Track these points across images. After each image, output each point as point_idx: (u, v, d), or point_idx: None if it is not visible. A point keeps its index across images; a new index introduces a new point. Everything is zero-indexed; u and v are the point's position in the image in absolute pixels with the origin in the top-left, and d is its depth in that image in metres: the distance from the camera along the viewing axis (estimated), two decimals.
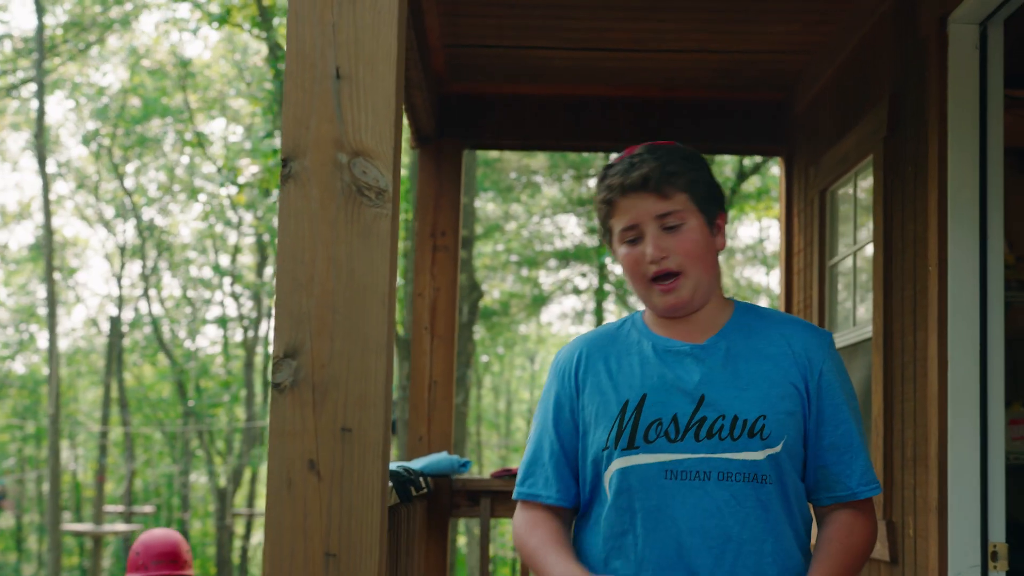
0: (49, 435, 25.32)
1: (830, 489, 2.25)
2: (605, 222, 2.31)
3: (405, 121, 4.75)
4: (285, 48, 2.10)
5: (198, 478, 35.89)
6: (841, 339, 4.53)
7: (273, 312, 2.06)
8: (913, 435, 3.61)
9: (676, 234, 2.22)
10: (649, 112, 5.26)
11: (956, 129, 3.42)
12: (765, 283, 28.60)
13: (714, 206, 2.28)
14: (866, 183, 4.35)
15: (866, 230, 4.35)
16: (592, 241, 22.35)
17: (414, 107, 4.74)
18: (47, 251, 25.84)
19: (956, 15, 3.41)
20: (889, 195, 3.91)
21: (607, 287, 23.25)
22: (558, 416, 2.32)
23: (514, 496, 2.39)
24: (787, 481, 2.21)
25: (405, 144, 5.15)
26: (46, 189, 25.15)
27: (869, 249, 4.28)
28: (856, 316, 4.46)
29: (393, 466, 3.57)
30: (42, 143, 25.67)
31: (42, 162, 24.84)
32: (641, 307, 2.40)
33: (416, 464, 4.33)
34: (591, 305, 24.94)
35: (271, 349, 2.08)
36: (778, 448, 2.18)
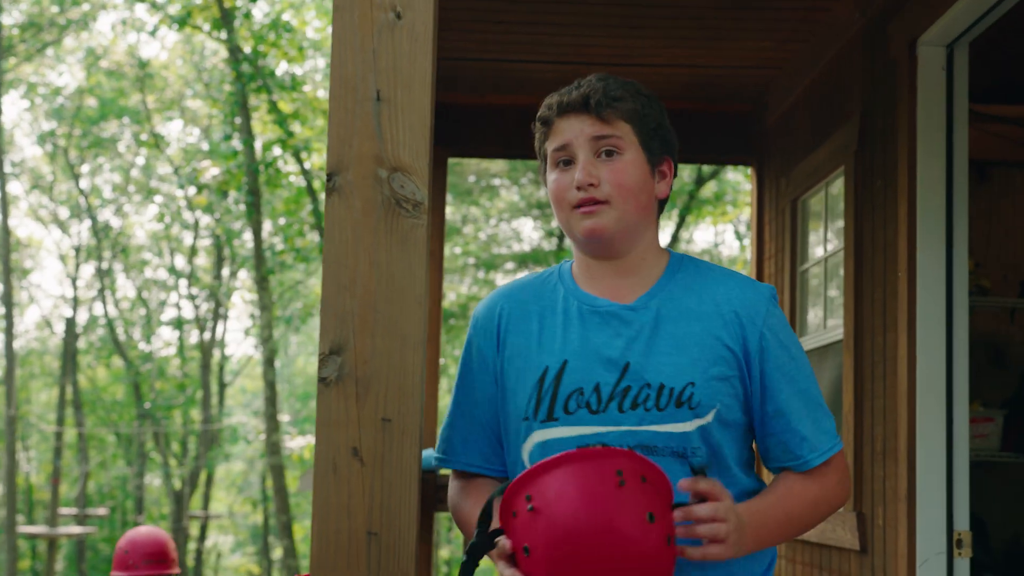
0: (7, 437, 25.20)
1: (779, 459, 2.11)
2: (541, 147, 2.16)
3: None
4: (330, 72, 2.30)
5: (152, 480, 35.78)
6: (812, 341, 4.77)
7: (319, 312, 2.25)
8: (883, 431, 3.85)
9: (610, 162, 2.07)
10: None
11: (924, 144, 3.67)
12: None
13: (660, 148, 2.13)
14: (836, 193, 4.59)
15: (836, 238, 4.59)
16: (550, 245, 22.59)
17: None
18: (3, 252, 25.72)
19: (925, 38, 3.66)
20: (859, 205, 4.15)
21: None
22: (478, 379, 2.20)
23: (432, 462, 2.36)
24: (723, 453, 2.06)
25: None
26: (1, 189, 25.05)
27: (839, 256, 4.52)
28: (827, 319, 4.71)
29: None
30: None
31: (12, 163, 24.75)
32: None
33: None
34: None
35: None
36: (709, 418, 2.03)
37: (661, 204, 2.19)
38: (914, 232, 3.64)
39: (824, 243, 4.74)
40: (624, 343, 2.07)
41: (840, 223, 4.51)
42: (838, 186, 4.53)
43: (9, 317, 25.37)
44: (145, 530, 4.87)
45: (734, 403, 2.07)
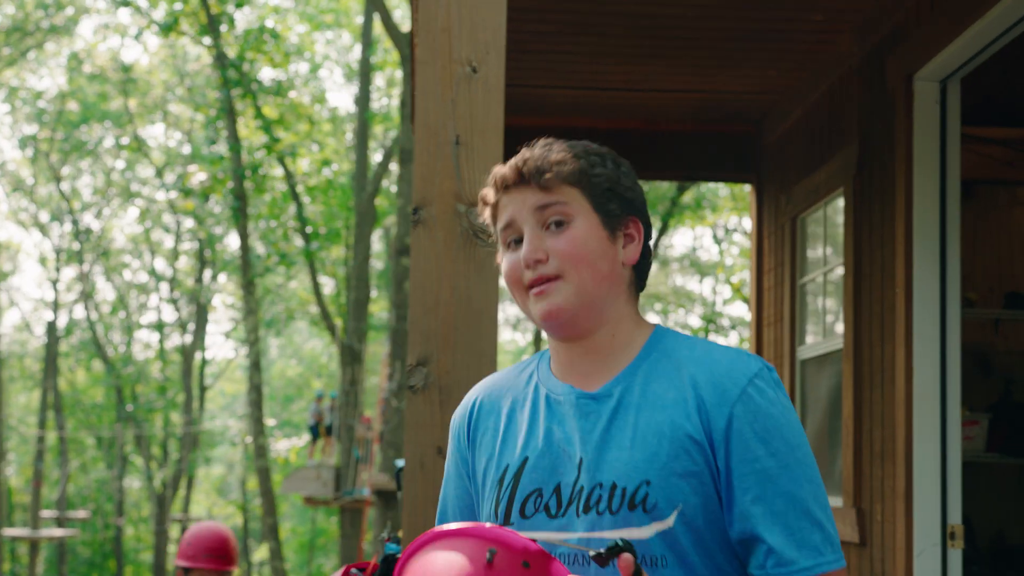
0: None
1: (747, 567, 1.79)
2: (492, 226, 1.94)
3: None
4: (414, 121, 2.62)
5: (131, 483, 35.95)
6: (811, 350, 5.12)
7: (408, 329, 2.57)
8: (881, 434, 4.20)
9: (558, 233, 1.84)
10: (631, 143, 5.82)
11: (920, 170, 4.01)
12: (698, 290, 29.42)
13: (620, 208, 1.87)
14: (835, 212, 4.94)
15: (835, 253, 4.94)
16: None
17: None
18: None
19: (920, 74, 4.01)
20: (858, 225, 4.50)
21: None
22: (455, 482, 2.01)
23: None
24: (693, 560, 1.77)
25: None
26: None
27: (838, 271, 4.86)
28: (825, 329, 5.05)
29: (399, 462, 4.08)
30: None
31: None
32: None
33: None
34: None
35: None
36: (670, 522, 1.75)
37: (637, 271, 1.91)
38: (911, 252, 3.99)
39: (824, 259, 5.08)
40: (581, 437, 1.84)
41: (838, 239, 4.86)
42: (837, 205, 4.88)
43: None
44: (209, 525, 5.03)
45: (705, 502, 1.77)
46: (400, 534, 2.36)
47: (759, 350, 5.68)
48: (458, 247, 2.57)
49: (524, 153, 1.89)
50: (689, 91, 5.41)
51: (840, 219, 4.81)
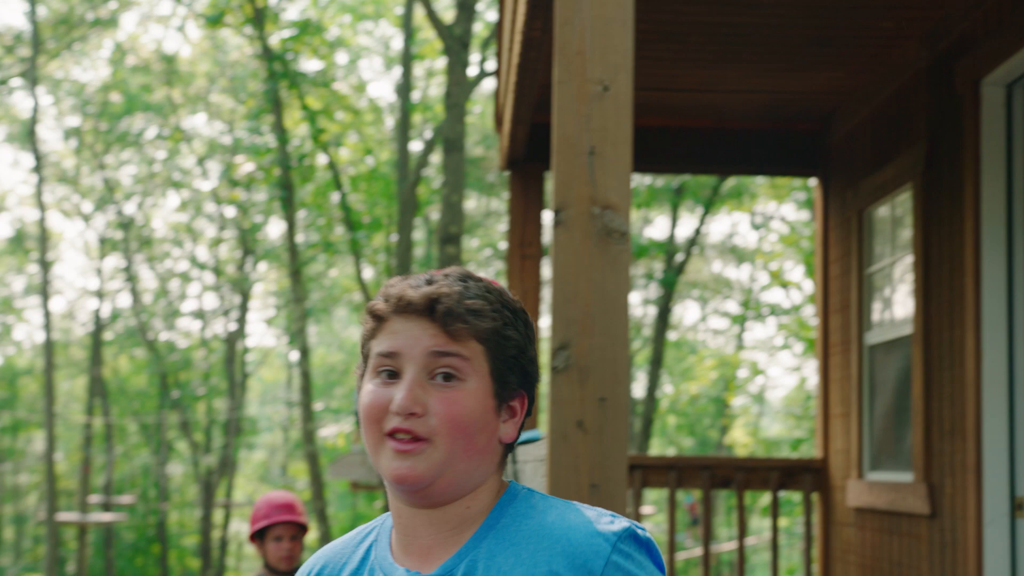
0: (45, 427, 25.88)
1: None
2: (365, 343, 1.66)
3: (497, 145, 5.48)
4: (552, 132, 2.96)
5: (174, 469, 36.49)
6: (879, 335, 5.44)
7: (550, 317, 2.91)
8: (951, 412, 4.52)
9: (444, 389, 1.58)
10: (701, 140, 6.15)
11: (988, 167, 4.34)
12: (734, 276, 29.70)
13: (518, 381, 1.65)
14: (902, 206, 5.26)
15: (902, 245, 5.26)
16: None
17: (514, 137, 5.60)
18: (40, 243, 26.37)
19: (988, 79, 4.33)
20: (928, 218, 4.82)
21: None
22: None
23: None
24: None
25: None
26: (38, 183, 25.67)
27: (906, 261, 5.19)
28: (893, 316, 5.38)
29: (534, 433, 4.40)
30: (29, 137, 26.18)
31: (38, 157, 25.38)
32: None
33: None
34: None
35: (549, 338, 2.91)
36: None
37: (506, 449, 1.67)
38: (979, 242, 4.31)
39: (892, 249, 5.40)
40: None
41: (905, 231, 5.18)
42: (904, 200, 5.20)
43: (46, 311, 26.03)
44: (273, 491, 5.30)
45: None
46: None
47: (826, 337, 6.01)
48: (593, 244, 2.91)
49: (438, 285, 1.62)
50: (759, 92, 5.73)
51: (907, 213, 5.13)
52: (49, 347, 25.87)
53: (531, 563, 1.56)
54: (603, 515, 1.62)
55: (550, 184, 3.06)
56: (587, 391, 2.87)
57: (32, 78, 25.98)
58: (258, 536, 5.01)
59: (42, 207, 26.30)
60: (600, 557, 1.55)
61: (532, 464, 3.61)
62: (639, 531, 1.61)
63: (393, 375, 1.60)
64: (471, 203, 25.97)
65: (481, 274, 1.73)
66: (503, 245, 26.38)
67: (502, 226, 26.19)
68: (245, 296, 32.06)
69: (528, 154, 6.00)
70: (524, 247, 5.96)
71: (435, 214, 23.26)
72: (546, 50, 4.50)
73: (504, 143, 5.90)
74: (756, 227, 26.33)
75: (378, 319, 1.64)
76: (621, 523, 1.60)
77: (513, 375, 1.64)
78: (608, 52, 2.97)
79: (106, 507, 29.82)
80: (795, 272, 24.49)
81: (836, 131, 5.92)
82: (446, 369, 1.59)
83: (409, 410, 1.57)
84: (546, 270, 6.08)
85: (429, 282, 1.63)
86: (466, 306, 1.60)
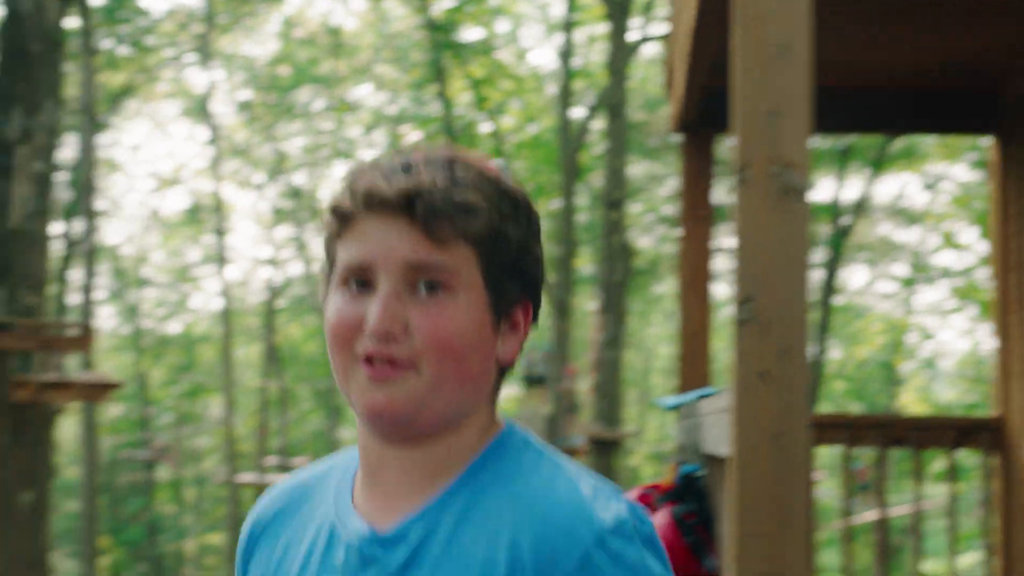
0: (224, 392, 26.87)
1: None
2: (329, 244, 1.38)
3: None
4: (731, 97, 3.08)
5: (344, 433, 37.44)
6: None
7: (736, 272, 3.04)
8: None
9: (429, 304, 1.31)
10: (872, 100, 6.17)
11: None
12: (903, 238, 29.14)
13: (519, 287, 1.37)
14: None
15: None
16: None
17: (686, 102, 5.71)
18: (216, 214, 27.29)
19: None
20: None
21: None
22: None
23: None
24: None
25: None
26: (212, 156, 26.55)
27: None
28: None
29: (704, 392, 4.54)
30: (203, 111, 27.07)
31: (212, 130, 26.27)
32: None
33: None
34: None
35: (732, 293, 3.04)
36: None
37: (502, 373, 1.41)
38: None
39: None
40: None
41: None
42: None
43: (222, 280, 26.98)
44: None
45: None
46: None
47: (1004, 295, 5.99)
48: (774, 202, 3.04)
49: (417, 174, 1.32)
50: (934, 48, 5.72)
51: None
52: (227, 315, 26.81)
53: (494, 542, 1.27)
54: (601, 492, 1.30)
55: (722, 147, 3.19)
56: (769, 343, 3.00)
57: (205, 54, 26.88)
58: None
59: (217, 179, 27.24)
60: (576, 548, 1.24)
61: (713, 416, 3.75)
62: (641, 521, 1.30)
63: (363, 286, 1.33)
64: (634, 168, 26.00)
65: (472, 154, 1.41)
66: (666, 209, 26.39)
67: (664, 191, 26.18)
68: None
69: (700, 118, 6.09)
70: (696, 209, 6.07)
71: (598, 180, 23.37)
72: (721, 15, 4.60)
73: (676, 108, 6.01)
74: (927, 187, 25.83)
75: (343, 217, 1.34)
76: (619, 508, 1.29)
77: (513, 282, 1.37)
78: (787, 14, 3.08)
79: (282, 469, 30.78)
80: (967, 234, 23.97)
81: (1013, 88, 5.88)
82: (433, 280, 1.31)
83: (386, 328, 1.29)
84: (719, 231, 6.18)
85: (406, 169, 1.33)
86: (454, 201, 1.31)
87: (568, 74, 22.41)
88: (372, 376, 1.30)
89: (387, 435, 1.35)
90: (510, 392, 33.00)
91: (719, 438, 3.51)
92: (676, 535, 3.79)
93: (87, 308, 19.92)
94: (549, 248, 24.25)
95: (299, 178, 33.87)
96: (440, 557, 1.29)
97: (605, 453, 16.79)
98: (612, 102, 16.44)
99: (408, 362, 1.30)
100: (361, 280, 1.33)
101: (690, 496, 3.95)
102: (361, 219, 1.32)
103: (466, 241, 1.32)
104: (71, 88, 19.57)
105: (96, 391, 12.68)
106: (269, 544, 1.45)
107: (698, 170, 6.08)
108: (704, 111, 6.07)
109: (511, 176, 1.40)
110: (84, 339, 11.89)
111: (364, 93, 39.64)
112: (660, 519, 3.85)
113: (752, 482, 2.95)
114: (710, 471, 4.02)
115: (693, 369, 6.04)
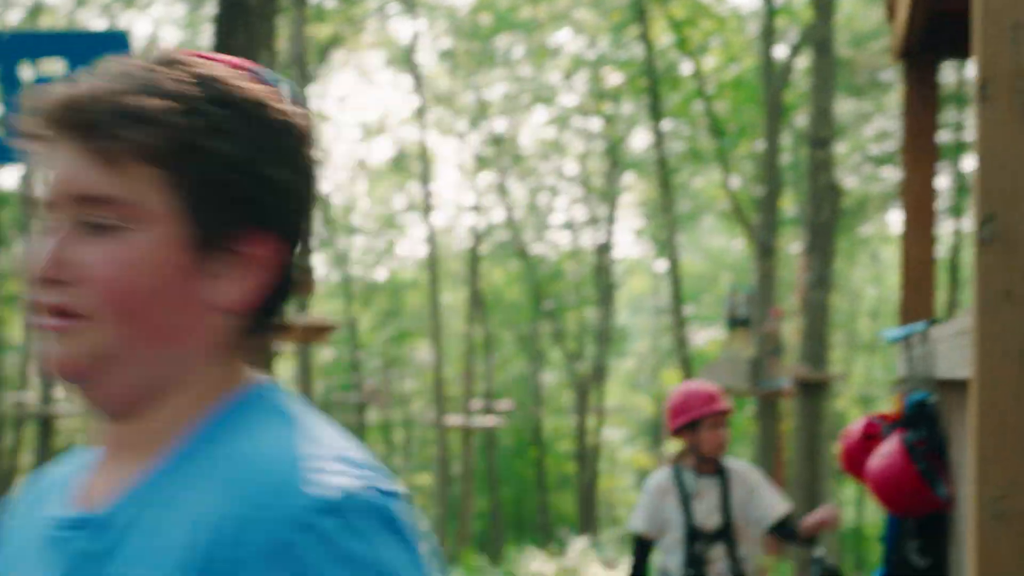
0: (431, 337, 27.46)
1: None
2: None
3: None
4: (972, 10, 3.02)
5: (548, 377, 37.88)
6: None
7: (979, 189, 3.00)
8: None
9: (101, 245, 1.10)
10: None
11: None
12: None
13: (235, 216, 1.13)
14: None
15: None
16: (946, 136, 22.31)
17: (910, 27, 5.58)
18: (421, 161, 27.77)
19: None
20: None
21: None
22: None
23: None
24: None
25: None
26: (417, 104, 26.97)
27: None
28: None
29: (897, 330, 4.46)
30: (408, 60, 27.48)
31: (416, 79, 26.68)
32: None
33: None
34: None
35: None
36: None
37: (242, 322, 1.17)
38: None
39: None
40: None
41: None
42: None
43: (428, 227, 27.47)
44: (684, 386, 5.49)
45: None
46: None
47: None
48: (1017, 117, 2.97)
49: (91, 81, 1.11)
50: None
51: None
52: (432, 261, 27.33)
53: (192, 519, 1.06)
54: (336, 459, 1.06)
55: (944, 73, 3.11)
56: (1014, 261, 2.95)
57: (409, 3, 27.28)
58: (688, 428, 5.29)
59: (421, 127, 27.71)
60: (265, 528, 1.01)
61: (949, 340, 3.70)
62: (384, 496, 1.06)
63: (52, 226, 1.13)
64: (840, 106, 25.40)
65: (217, 59, 1.15)
66: (874, 148, 25.76)
67: (871, 129, 25.52)
68: (612, 207, 32.71)
69: (924, 44, 5.95)
70: (920, 138, 5.94)
71: (802, 119, 22.95)
72: None
73: (898, 33, 5.87)
74: None
75: (33, 140, 1.14)
76: (352, 479, 1.05)
77: (229, 209, 1.11)
78: None
79: (487, 412, 31.39)
80: None
81: None
82: (101, 218, 1.09)
83: (49, 278, 1.09)
84: (940, 164, 6.01)
85: (78, 79, 1.11)
86: (124, 109, 1.07)
87: (771, 12, 22.01)
88: (42, 326, 1.11)
89: (91, 404, 1.15)
90: (713, 335, 32.86)
91: (957, 362, 3.46)
92: (907, 461, 3.75)
93: (305, 254, 20.56)
94: (752, 188, 23.93)
95: (500, 125, 34.19)
96: (141, 550, 1.08)
97: (811, 395, 16.63)
98: (818, 38, 16.09)
99: (82, 312, 1.09)
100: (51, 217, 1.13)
101: (920, 424, 3.91)
102: (46, 145, 1.12)
103: (147, 160, 1.08)
104: (281, 40, 20.15)
105: (314, 333, 13.13)
106: (19, 523, 1.26)
107: (922, 98, 5.94)
108: (929, 36, 5.92)
109: (287, 97, 1.16)
110: (306, 283, 12.30)
111: (564, 38, 39.71)
112: (890, 446, 3.82)
113: (994, 404, 2.92)
114: (942, 398, 3.97)
115: (918, 302, 5.94)
